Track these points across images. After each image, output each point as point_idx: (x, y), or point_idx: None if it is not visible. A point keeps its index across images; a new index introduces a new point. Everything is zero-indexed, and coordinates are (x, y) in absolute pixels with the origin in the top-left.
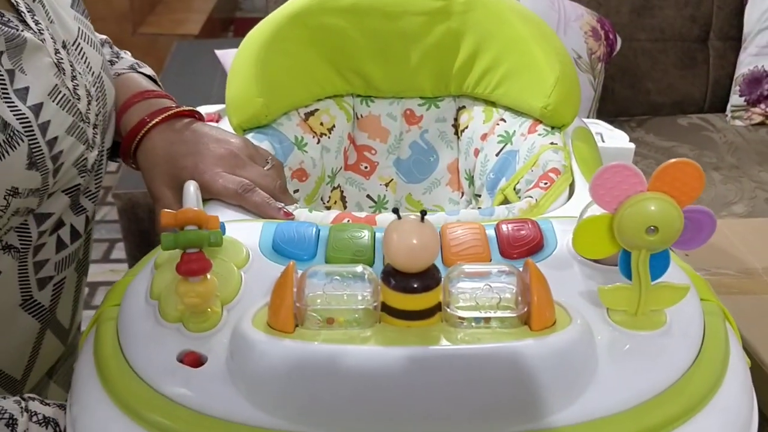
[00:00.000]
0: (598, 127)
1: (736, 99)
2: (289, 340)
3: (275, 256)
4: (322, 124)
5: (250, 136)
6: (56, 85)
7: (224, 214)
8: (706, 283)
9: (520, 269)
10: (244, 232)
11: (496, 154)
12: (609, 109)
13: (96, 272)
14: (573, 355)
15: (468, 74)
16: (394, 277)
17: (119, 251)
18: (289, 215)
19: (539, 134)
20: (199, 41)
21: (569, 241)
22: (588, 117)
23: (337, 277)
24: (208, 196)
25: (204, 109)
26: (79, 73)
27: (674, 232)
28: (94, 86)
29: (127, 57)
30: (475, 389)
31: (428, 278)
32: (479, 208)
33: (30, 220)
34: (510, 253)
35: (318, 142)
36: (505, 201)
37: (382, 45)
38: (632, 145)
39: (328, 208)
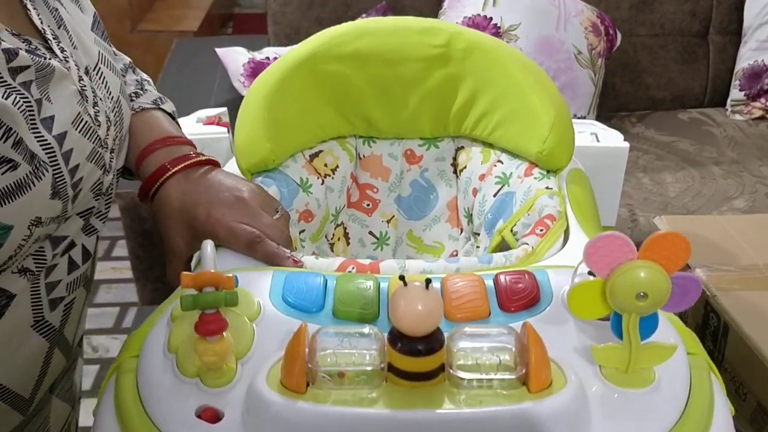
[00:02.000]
0: (593, 127)
1: (736, 93)
2: (303, 402)
3: (285, 307)
4: (326, 165)
5: (258, 180)
6: (79, 113)
7: (234, 261)
8: (693, 337)
9: (518, 329)
10: (254, 282)
11: (494, 195)
12: (609, 105)
13: (98, 270)
14: (568, 415)
15: (466, 117)
16: (401, 341)
17: (121, 249)
18: (297, 263)
19: (535, 177)
20: (199, 39)
21: (564, 293)
22: (589, 113)
23: (346, 339)
24: (219, 244)
25: (204, 113)
26: (100, 99)
27: (662, 297)
28: (113, 111)
29: (151, 89)
30: None
31: (433, 341)
32: (478, 246)
33: (46, 244)
34: (508, 306)
35: (322, 183)
36: (503, 242)
37: (384, 90)
38: (626, 145)
39: (332, 245)
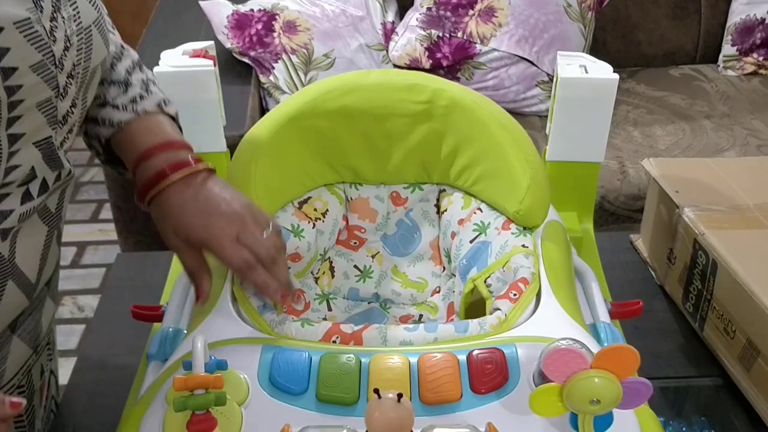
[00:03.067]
0: (583, 59)
1: (728, 49)
2: None
3: (272, 389)
4: (315, 209)
5: None
6: (28, 18)
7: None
8: (654, 418)
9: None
10: (244, 360)
11: (470, 241)
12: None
13: (84, 232)
14: None
15: (449, 168)
16: None
17: (107, 212)
18: (285, 297)
19: (512, 233)
20: None
21: (530, 375)
22: None
23: None
24: (210, 254)
25: (191, 46)
26: (63, 18)
27: (613, 402)
28: (78, 36)
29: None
30: None
31: None
32: (453, 291)
33: None
34: (479, 389)
35: (313, 227)
36: (475, 290)
37: (370, 143)
38: (615, 76)
39: (317, 279)
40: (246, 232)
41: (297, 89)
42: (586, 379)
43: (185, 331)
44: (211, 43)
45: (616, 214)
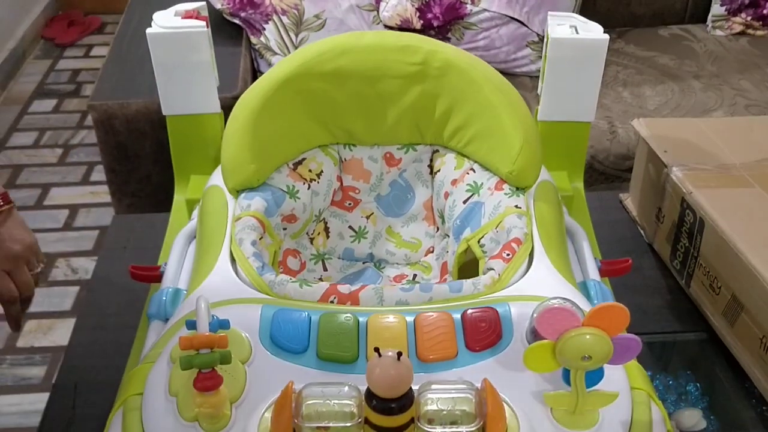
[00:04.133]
0: (573, 19)
1: (717, 9)
2: None
3: (274, 348)
4: (310, 170)
5: (242, 196)
6: None
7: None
8: (641, 372)
9: (482, 370)
10: (246, 319)
11: (464, 202)
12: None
13: (76, 194)
14: None
15: (442, 130)
16: (375, 400)
17: (98, 174)
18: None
19: (505, 193)
20: None
21: (524, 332)
22: None
23: (329, 395)
24: None
25: (182, 7)
26: None
27: (604, 358)
28: None
29: None
30: None
31: (404, 400)
32: (447, 251)
33: None
34: (474, 347)
35: (309, 188)
36: (468, 249)
37: (364, 105)
38: (605, 37)
39: (312, 239)
40: (18, 271)
41: (288, 50)
42: (578, 336)
43: (185, 291)
44: (203, 3)
45: (605, 174)
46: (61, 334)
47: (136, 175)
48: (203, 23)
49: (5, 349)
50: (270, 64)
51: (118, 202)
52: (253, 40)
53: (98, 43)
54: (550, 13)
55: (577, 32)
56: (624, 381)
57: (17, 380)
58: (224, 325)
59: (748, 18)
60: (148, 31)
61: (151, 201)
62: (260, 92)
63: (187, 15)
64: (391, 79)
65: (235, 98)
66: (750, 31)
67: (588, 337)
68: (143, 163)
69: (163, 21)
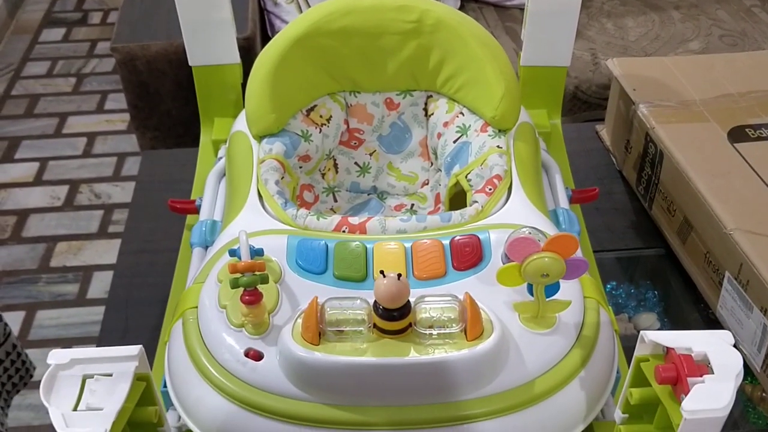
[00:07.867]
0: None
1: None
2: (317, 353)
3: (299, 270)
4: (321, 116)
5: (264, 141)
6: None
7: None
8: (594, 283)
9: (466, 288)
10: (275, 247)
11: (454, 141)
12: None
13: (91, 122)
14: (493, 355)
15: (435, 78)
16: (382, 309)
17: (112, 102)
18: None
19: (489, 135)
20: None
21: (501, 254)
22: None
23: (345, 306)
24: None
25: None
26: None
27: (558, 275)
28: None
29: None
30: (430, 380)
31: (403, 309)
32: (440, 184)
33: None
34: (459, 267)
35: (320, 131)
36: (457, 183)
37: (366, 58)
38: None
39: (323, 174)
40: None
41: None
42: (538, 258)
43: (221, 223)
44: None
45: (588, 102)
46: (89, 254)
47: (158, 111)
48: None
49: (39, 269)
50: (276, 4)
51: (142, 135)
52: None
53: None
54: None
55: None
56: (578, 291)
57: (54, 296)
58: (259, 252)
59: None
60: None
61: (172, 134)
62: (276, 50)
63: None
64: (390, 36)
65: (246, 39)
66: None
67: (546, 259)
68: (164, 100)
69: None
